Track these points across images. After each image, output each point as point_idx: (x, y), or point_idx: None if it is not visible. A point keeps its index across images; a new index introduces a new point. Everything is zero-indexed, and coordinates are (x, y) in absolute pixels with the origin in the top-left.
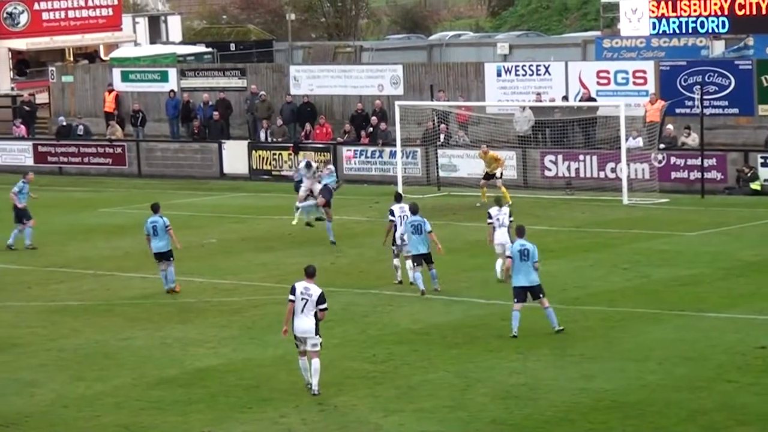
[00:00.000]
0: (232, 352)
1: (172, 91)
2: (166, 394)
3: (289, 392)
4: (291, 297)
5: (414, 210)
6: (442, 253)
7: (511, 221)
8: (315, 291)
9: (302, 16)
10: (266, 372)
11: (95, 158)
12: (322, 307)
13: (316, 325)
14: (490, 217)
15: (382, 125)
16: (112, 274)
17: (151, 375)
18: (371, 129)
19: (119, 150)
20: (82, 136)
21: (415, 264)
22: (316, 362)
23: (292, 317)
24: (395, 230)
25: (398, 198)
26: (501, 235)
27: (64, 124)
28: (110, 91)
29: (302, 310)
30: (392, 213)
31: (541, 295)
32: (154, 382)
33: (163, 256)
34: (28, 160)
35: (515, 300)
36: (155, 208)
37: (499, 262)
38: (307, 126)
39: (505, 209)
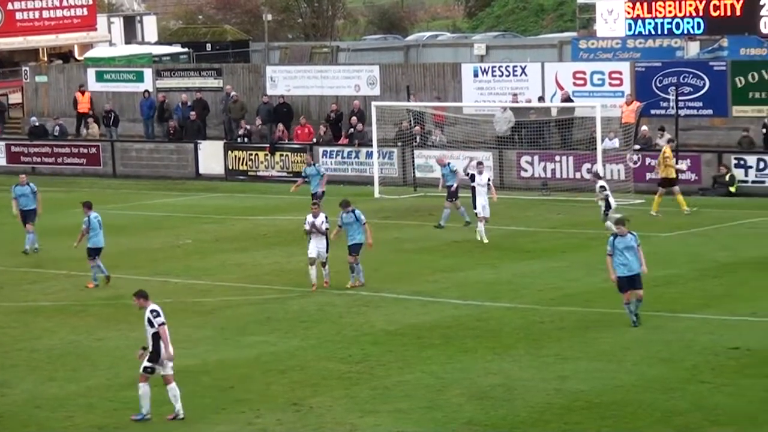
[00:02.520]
0: (207, 352)
1: (146, 91)
2: None
3: (264, 393)
4: (163, 320)
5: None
6: (371, 248)
7: None
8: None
9: (279, 16)
10: (241, 373)
11: (69, 158)
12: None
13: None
14: None
15: (359, 126)
16: (85, 274)
17: (124, 375)
18: (352, 130)
19: (93, 150)
20: (58, 137)
21: (354, 253)
22: (174, 388)
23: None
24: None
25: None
26: None
27: (37, 124)
28: (83, 92)
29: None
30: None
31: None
32: (127, 383)
33: (100, 252)
34: (1, 160)
35: None
36: (91, 205)
37: None
38: (281, 126)
39: None
